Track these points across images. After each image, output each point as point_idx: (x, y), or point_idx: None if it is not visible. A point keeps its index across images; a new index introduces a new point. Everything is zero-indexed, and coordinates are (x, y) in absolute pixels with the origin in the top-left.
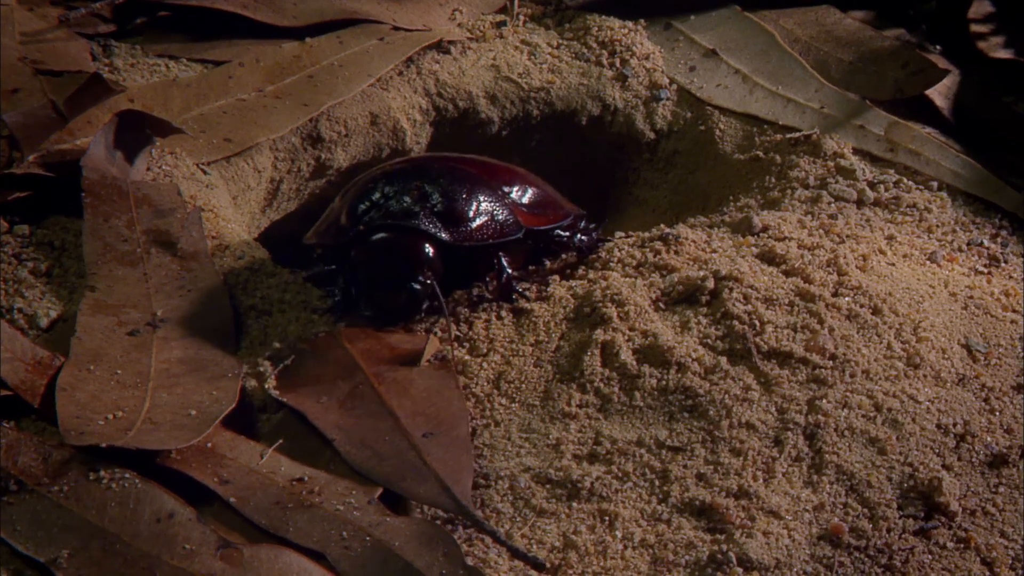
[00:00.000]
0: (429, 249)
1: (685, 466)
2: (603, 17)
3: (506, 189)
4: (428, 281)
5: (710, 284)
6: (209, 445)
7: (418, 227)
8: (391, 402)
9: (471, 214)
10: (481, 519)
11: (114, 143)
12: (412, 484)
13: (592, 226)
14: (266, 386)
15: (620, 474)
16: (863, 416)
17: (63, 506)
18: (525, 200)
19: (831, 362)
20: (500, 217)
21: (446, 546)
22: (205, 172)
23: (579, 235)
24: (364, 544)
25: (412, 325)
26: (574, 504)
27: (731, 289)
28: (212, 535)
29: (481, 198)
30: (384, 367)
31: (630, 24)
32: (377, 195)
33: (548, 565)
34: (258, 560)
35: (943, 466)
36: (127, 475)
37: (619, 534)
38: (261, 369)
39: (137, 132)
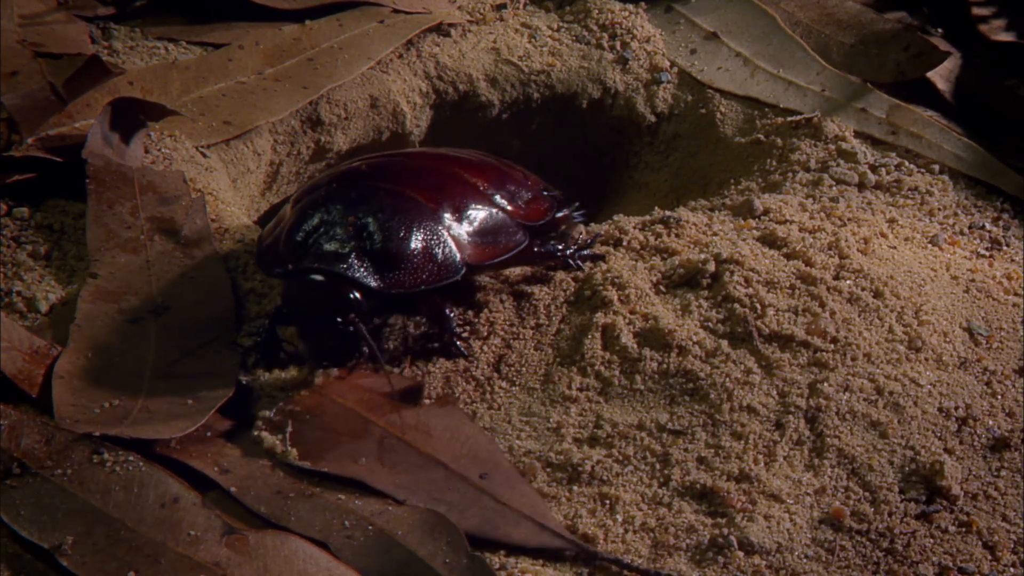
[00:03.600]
0: (355, 294)
1: (686, 450)
2: (604, 0)
3: (450, 218)
4: (351, 327)
5: (711, 267)
6: (208, 434)
7: (344, 274)
8: (426, 450)
9: (406, 257)
10: (593, 548)
11: (110, 128)
12: (508, 529)
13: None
14: (288, 460)
15: (621, 457)
16: (864, 400)
17: (67, 490)
18: (473, 228)
19: (832, 345)
20: (439, 257)
21: (449, 535)
22: (204, 155)
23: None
24: (367, 533)
25: (366, 365)
26: (575, 488)
27: (732, 272)
28: (217, 520)
29: (419, 237)
30: (391, 415)
31: (631, 7)
32: (313, 224)
33: None
34: (264, 547)
35: (945, 450)
36: (131, 458)
37: (620, 518)
38: (259, 439)
39: (131, 118)
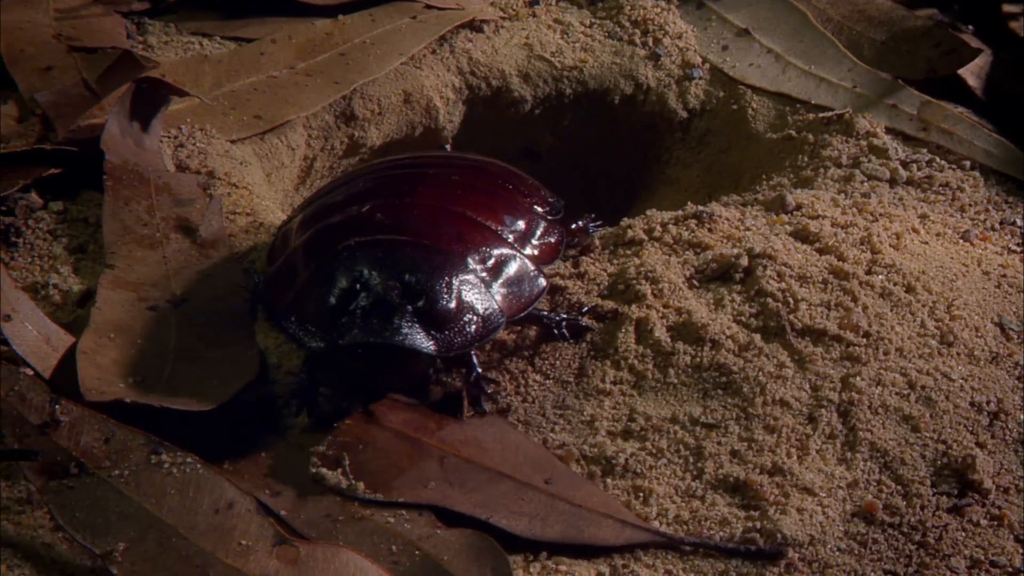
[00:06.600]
0: (415, 354)
1: (719, 443)
2: None
3: (480, 269)
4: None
5: (744, 262)
6: (262, 455)
7: (403, 343)
8: (488, 464)
9: (454, 316)
10: (678, 535)
11: (130, 112)
12: (593, 531)
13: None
14: (357, 495)
15: (654, 451)
16: (897, 394)
17: (123, 492)
18: (500, 280)
19: (865, 340)
20: (481, 311)
21: (495, 560)
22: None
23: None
24: (413, 558)
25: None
26: (608, 480)
27: (765, 267)
28: (270, 528)
29: (461, 292)
30: (439, 432)
31: (663, 3)
32: (345, 289)
33: None
34: (314, 560)
35: (976, 444)
36: (189, 459)
37: (653, 511)
38: (320, 476)
39: (152, 96)
